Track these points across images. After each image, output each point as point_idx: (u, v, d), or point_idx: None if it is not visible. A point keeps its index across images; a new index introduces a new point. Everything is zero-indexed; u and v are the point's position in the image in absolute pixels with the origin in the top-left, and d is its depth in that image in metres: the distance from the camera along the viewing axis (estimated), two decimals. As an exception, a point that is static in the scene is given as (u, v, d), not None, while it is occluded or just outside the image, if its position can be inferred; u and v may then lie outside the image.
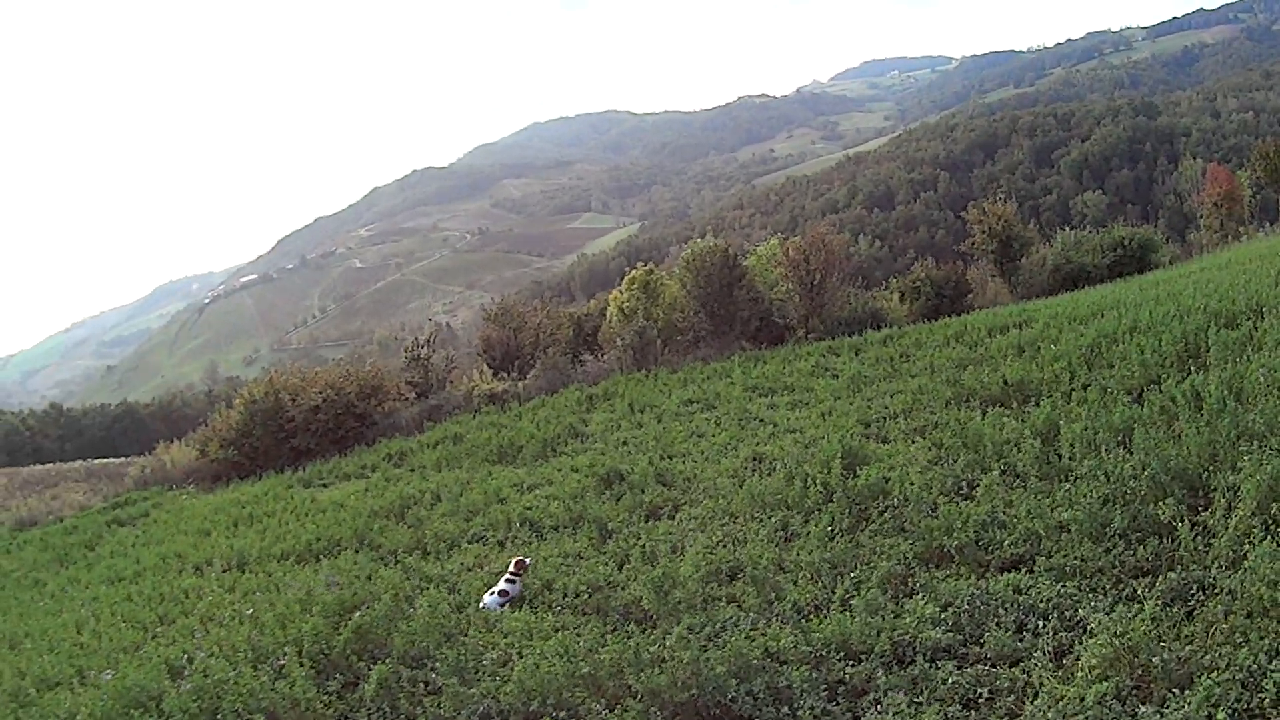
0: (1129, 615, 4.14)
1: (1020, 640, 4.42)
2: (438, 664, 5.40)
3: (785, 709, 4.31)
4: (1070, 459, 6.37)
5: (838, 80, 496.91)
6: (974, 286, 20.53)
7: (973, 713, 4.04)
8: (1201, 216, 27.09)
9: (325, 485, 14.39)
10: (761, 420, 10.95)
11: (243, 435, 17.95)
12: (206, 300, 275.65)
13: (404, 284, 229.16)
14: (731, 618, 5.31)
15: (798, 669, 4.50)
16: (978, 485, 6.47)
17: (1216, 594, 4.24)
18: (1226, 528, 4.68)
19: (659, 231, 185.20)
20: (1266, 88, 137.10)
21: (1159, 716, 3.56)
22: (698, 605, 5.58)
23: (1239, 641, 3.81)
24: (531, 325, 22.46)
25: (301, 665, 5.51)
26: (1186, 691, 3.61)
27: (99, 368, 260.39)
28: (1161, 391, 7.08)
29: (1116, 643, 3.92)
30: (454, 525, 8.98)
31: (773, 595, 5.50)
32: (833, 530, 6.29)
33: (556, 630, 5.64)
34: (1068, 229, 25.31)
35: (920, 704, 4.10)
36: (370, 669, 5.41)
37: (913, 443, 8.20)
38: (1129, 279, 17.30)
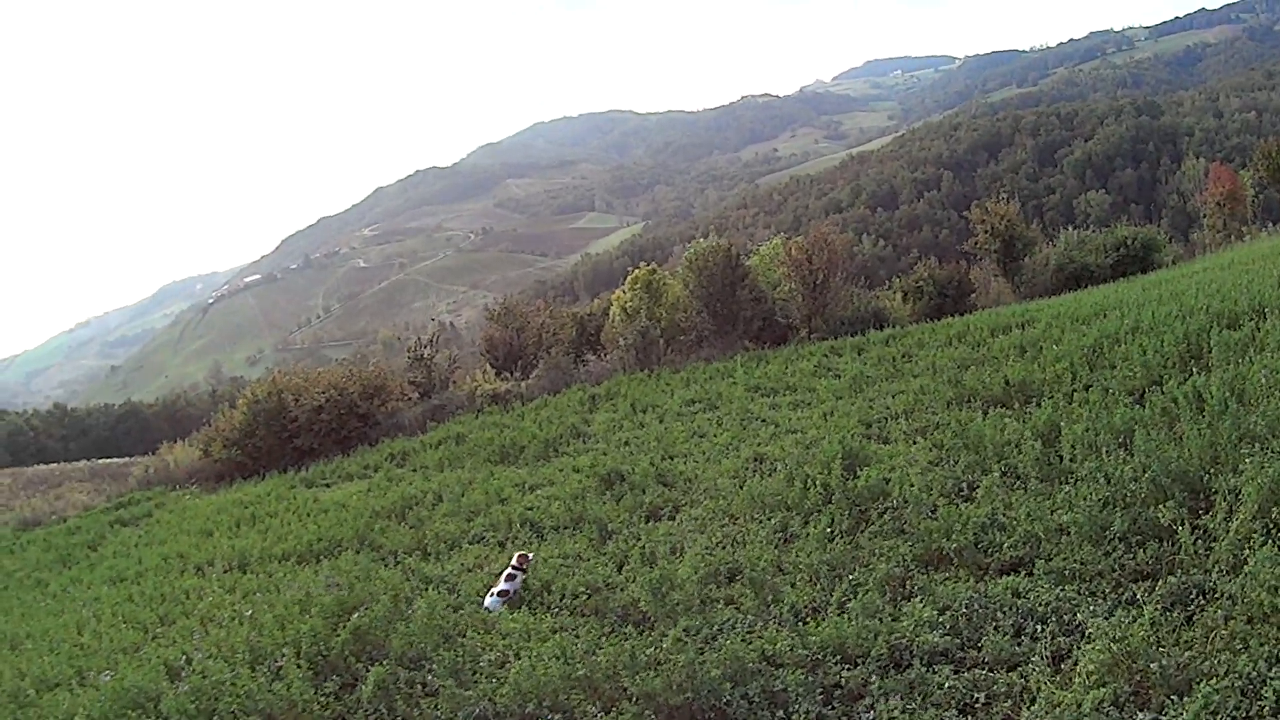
0: (1128, 620, 4.11)
1: (1018, 644, 4.39)
2: (435, 665, 5.40)
3: (780, 713, 4.29)
4: (1071, 460, 6.33)
5: (841, 80, 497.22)
6: (977, 286, 20.47)
7: (969, 718, 4.01)
8: (1204, 216, 27.06)
9: (328, 485, 14.42)
10: (763, 420, 10.93)
11: (246, 435, 18.01)
12: (210, 300, 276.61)
13: (407, 284, 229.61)
14: (729, 620, 5.30)
15: (793, 672, 4.48)
16: (978, 487, 6.44)
17: (1216, 599, 4.20)
18: (1227, 531, 4.64)
19: (662, 231, 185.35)
20: (1269, 87, 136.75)
21: (1157, 723, 3.52)
22: (695, 607, 5.56)
23: (1239, 648, 3.77)
24: (534, 325, 22.48)
25: (299, 666, 5.53)
26: (1185, 698, 3.57)
27: (103, 368, 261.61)
28: (1163, 392, 7.03)
29: (1115, 648, 3.89)
30: (455, 526, 9.00)
31: (770, 597, 5.48)
32: (832, 532, 6.27)
33: (554, 632, 5.63)
34: (1071, 228, 25.29)
35: (916, 709, 4.07)
36: (368, 670, 5.41)
37: (914, 443, 8.17)
38: (1132, 279, 17.26)
